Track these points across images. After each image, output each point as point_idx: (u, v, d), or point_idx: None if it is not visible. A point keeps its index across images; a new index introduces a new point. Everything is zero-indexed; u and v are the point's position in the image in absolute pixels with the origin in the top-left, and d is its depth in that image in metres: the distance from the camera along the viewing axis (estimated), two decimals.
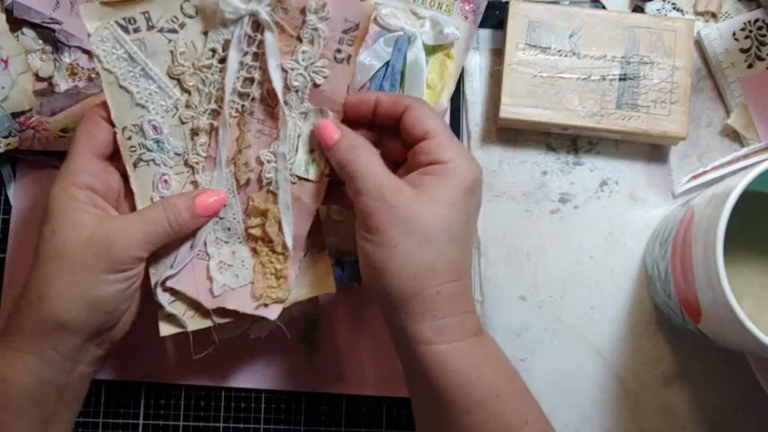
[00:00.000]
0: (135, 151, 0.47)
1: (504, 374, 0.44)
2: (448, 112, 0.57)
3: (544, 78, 0.54)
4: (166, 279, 0.47)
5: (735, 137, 0.57)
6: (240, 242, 0.48)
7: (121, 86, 0.46)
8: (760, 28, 0.56)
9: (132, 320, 0.48)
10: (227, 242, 0.48)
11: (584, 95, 0.54)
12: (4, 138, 0.56)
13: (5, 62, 0.56)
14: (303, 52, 0.46)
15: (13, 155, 0.57)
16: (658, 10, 0.58)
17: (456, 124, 0.57)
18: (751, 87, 0.56)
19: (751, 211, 0.47)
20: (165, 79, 0.47)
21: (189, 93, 0.47)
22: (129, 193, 0.47)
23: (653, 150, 0.57)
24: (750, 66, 0.56)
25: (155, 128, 0.47)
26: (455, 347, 0.42)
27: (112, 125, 0.46)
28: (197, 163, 0.47)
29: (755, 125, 0.56)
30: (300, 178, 0.47)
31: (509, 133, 0.57)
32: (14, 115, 0.56)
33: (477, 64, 0.58)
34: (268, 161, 0.47)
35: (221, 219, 0.48)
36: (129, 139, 0.46)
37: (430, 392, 0.43)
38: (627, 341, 0.56)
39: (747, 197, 0.43)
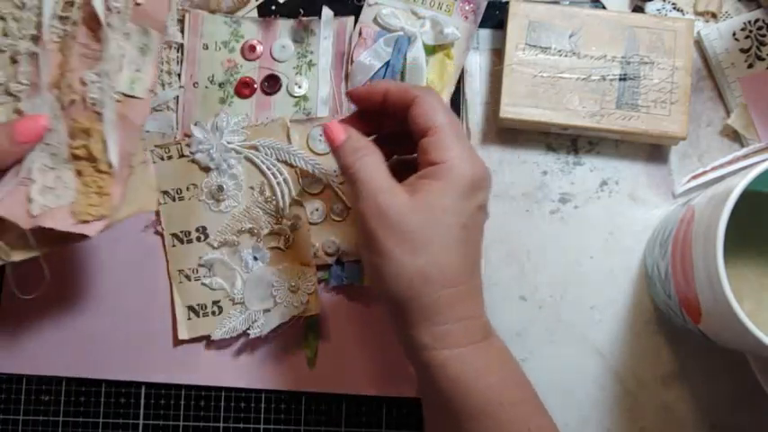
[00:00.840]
0: None
1: (509, 381, 0.44)
2: None
3: (544, 78, 0.54)
4: None
5: (735, 137, 0.57)
6: (66, 167, 0.47)
7: None
8: (760, 28, 0.56)
9: None
10: (53, 168, 0.47)
11: (584, 95, 0.54)
12: None
13: None
14: None
15: None
16: (658, 10, 0.58)
17: None
18: (751, 87, 0.56)
19: (751, 211, 0.47)
20: None
21: (4, 20, 0.46)
22: None
23: (653, 150, 0.57)
24: (750, 66, 0.56)
25: None
26: (456, 353, 0.42)
27: None
28: (19, 91, 0.46)
29: (755, 125, 0.56)
30: (126, 95, 0.47)
31: (509, 133, 0.57)
32: None
33: (477, 64, 0.58)
34: (92, 81, 0.46)
35: (47, 145, 0.46)
36: None
37: (435, 398, 0.43)
38: (627, 341, 0.56)
39: (747, 197, 0.43)
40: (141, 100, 0.48)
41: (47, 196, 0.46)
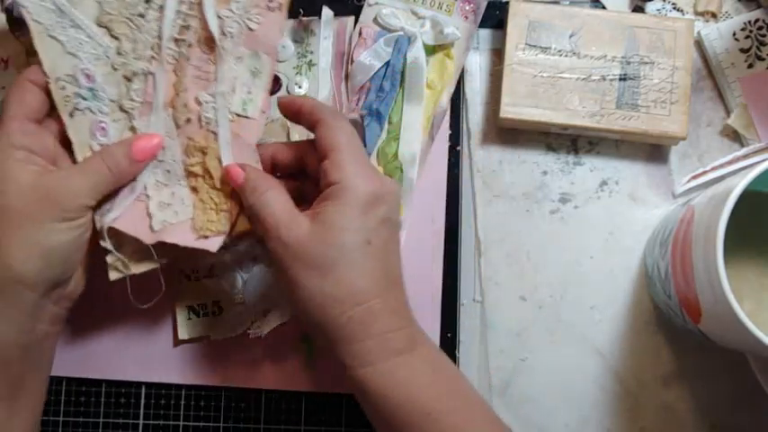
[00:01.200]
0: (69, 101, 0.47)
1: (440, 391, 0.43)
2: (448, 112, 0.57)
3: (544, 78, 0.54)
4: (109, 223, 0.47)
5: (735, 137, 0.57)
6: (180, 184, 0.49)
7: (51, 36, 0.47)
8: (760, 28, 0.56)
9: (86, 277, 0.48)
10: (166, 185, 0.48)
11: (584, 95, 0.54)
12: None
13: (6, 62, 0.56)
14: (237, 2, 0.48)
15: None
16: (658, 10, 0.58)
17: (456, 124, 0.57)
18: (751, 87, 0.56)
19: (751, 211, 0.47)
20: (93, 27, 0.48)
21: (119, 40, 0.48)
22: (66, 153, 0.47)
23: (653, 150, 0.57)
24: (750, 66, 0.56)
25: (87, 76, 0.47)
26: (377, 369, 0.42)
27: (46, 83, 0.46)
28: (132, 108, 0.48)
29: (755, 125, 0.56)
30: (239, 116, 0.49)
31: (509, 133, 0.57)
32: None
33: (478, 64, 0.58)
34: (206, 102, 0.48)
35: (161, 162, 0.48)
36: (63, 89, 0.47)
37: (369, 414, 0.44)
38: (627, 341, 0.56)
39: (747, 197, 0.43)
40: (253, 120, 0.49)
41: (165, 212, 0.48)
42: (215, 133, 0.48)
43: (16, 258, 0.43)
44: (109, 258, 0.48)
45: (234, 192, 0.47)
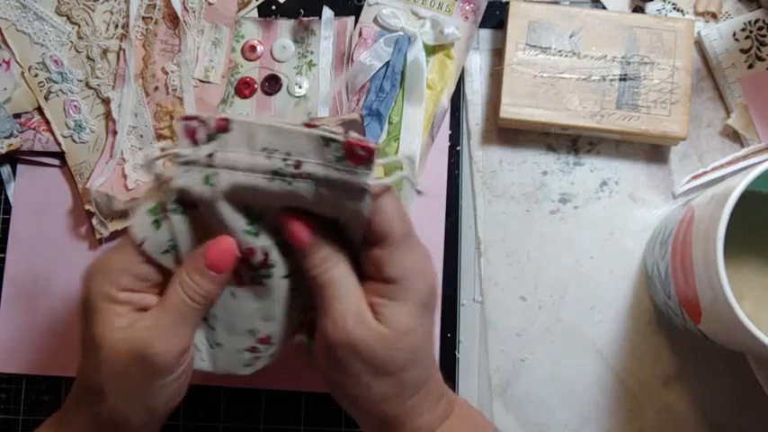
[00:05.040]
0: (43, 86, 0.55)
1: None
2: (448, 112, 0.57)
3: (544, 78, 0.54)
4: (96, 187, 0.54)
5: (735, 137, 0.57)
6: (152, 146, 0.55)
7: (19, 30, 0.55)
8: (760, 28, 0.56)
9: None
10: (140, 148, 0.55)
11: (584, 95, 0.54)
12: (6, 138, 0.56)
13: (8, 63, 0.56)
14: None
15: (13, 155, 0.57)
16: (658, 10, 0.58)
17: (456, 124, 0.57)
18: (751, 87, 0.56)
19: (751, 211, 0.47)
20: (54, 17, 0.55)
21: (78, 25, 0.55)
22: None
23: (653, 150, 0.57)
24: (750, 66, 0.56)
25: (56, 62, 0.55)
26: None
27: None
28: (98, 85, 0.55)
29: (755, 125, 0.56)
30: (202, 81, 0.56)
31: (509, 133, 0.57)
32: (16, 116, 0.56)
33: (478, 64, 0.58)
34: (172, 71, 0.55)
35: (134, 128, 0.55)
36: (36, 76, 0.55)
37: None
38: (627, 341, 0.56)
39: (747, 197, 0.43)
40: (215, 84, 0.56)
41: (138, 172, 0.55)
42: (180, 99, 0.56)
43: (125, 410, 0.41)
44: (94, 220, 0.55)
45: None
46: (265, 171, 0.37)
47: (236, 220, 0.39)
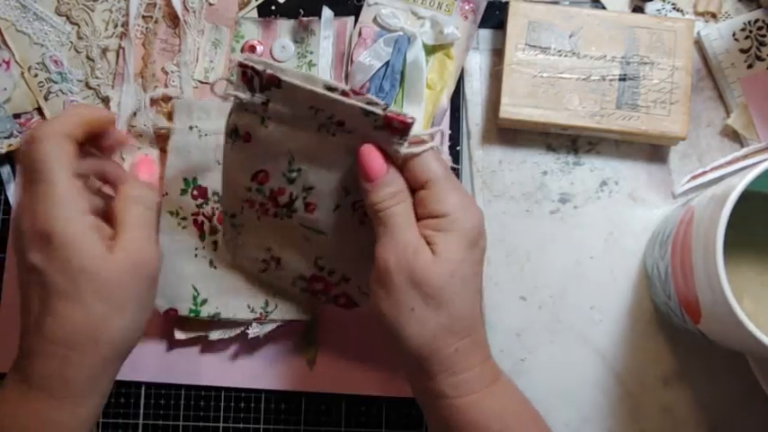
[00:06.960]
0: (43, 86, 0.55)
1: (525, 418, 0.44)
2: (448, 112, 0.57)
3: (544, 78, 0.54)
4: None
5: (735, 137, 0.57)
6: (152, 146, 0.55)
7: (18, 30, 0.55)
8: (760, 28, 0.56)
9: None
10: (140, 147, 0.56)
11: (584, 95, 0.54)
12: (6, 138, 0.56)
13: (8, 63, 0.56)
14: None
15: (13, 155, 0.57)
16: (658, 10, 0.58)
17: (456, 124, 0.57)
18: (751, 87, 0.56)
19: (751, 211, 0.47)
20: (54, 17, 0.55)
21: (78, 25, 0.55)
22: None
23: (653, 150, 0.57)
24: (750, 66, 0.56)
25: (55, 62, 0.55)
26: (473, 399, 0.43)
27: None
28: (98, 85, 0.55)
29: (755, 125, 0.56)
30: (201, 82, 0.56)
31: (509, 133, 0.57)
32: (16, 116, 0.56)
33: (477, 64, 0.58)
34: (172, 71, 0.55)
35: (133, 127, 0.55)
36: (36, 76, 0.55)
37: None
38: (627, 341, 0.56)
39: (747, 197, 0.43)
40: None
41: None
42: (180, 98, 0.55)
43: (123, 343, 0.43)
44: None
45: None
46: (310, 124, 0.43)
47: (281, 163, 0.45)
